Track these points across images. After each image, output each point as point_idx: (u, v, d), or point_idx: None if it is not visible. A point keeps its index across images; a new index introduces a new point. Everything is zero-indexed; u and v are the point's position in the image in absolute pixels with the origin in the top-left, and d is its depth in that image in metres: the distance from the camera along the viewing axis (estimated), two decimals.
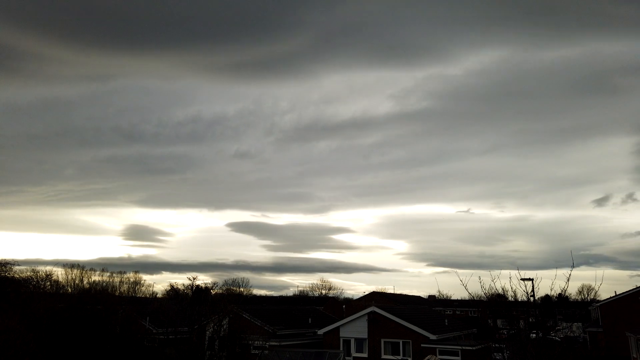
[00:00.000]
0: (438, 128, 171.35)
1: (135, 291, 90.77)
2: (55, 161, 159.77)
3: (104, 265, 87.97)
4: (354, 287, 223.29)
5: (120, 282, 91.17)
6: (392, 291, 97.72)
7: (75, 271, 76.62)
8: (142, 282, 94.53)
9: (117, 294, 73.09)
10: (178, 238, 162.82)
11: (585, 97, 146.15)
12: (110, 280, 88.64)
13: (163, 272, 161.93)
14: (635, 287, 47.37)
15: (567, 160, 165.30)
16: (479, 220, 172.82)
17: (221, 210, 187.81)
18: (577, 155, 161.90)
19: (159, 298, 78.48)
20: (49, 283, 49.28)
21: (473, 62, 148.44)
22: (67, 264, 77.64)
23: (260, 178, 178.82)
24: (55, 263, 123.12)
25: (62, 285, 66.27)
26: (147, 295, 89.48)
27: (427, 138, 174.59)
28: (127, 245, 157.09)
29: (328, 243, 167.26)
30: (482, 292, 16.16)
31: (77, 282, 74.91)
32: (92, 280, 79.62)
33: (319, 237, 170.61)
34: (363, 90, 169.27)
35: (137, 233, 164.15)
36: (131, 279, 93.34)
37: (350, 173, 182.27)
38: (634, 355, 37.14)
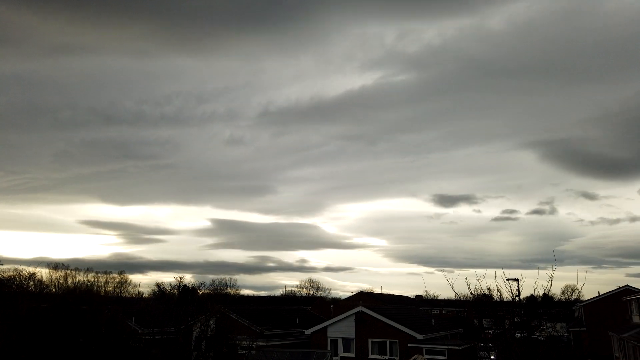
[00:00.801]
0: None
1: (121, 291, 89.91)
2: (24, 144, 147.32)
3: (76, 265, 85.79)
4: (335, 284, 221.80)
5: (106, 282, 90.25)
6: (379, 291, 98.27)
7: (59, 272, 75.67)
8: (129, 282, 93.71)
9: (102, 294, 72.33)
10: (164, 236, 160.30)
11: None
12: (96, 280, 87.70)
13: (148, 272, 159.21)
14: (617, 287, 48.18)
15: None
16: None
17: (201, 206, 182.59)
18: None
19: (145, 298, 77.86)
20: (32, 283, 48.53)
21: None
22: (50, 263, 76.64)
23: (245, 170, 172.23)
24: (28, 262, 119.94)
25: (46, 285, 65.35)
26: (133, 295, 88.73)
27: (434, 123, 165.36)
28: (110, 244, 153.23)
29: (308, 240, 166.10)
30: (469, 292, 16.28)
31: (61, 282, 73.96)
32: (77, 280, 78.69)
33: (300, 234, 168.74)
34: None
35: (121, 229, 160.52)
36: (117, 279, 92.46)
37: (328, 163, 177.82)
38: (617, 355, 37.80)
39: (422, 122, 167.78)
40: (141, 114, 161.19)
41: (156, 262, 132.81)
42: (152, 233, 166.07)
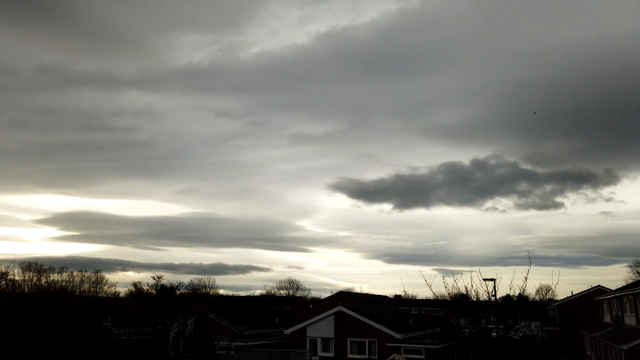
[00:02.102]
0: None
1: (97, 290, 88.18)
2: None
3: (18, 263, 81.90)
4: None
5: (81, 281, 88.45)
6: (359, 291, 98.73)
7: (32, 272, 73.83)
8: (105, 281, 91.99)
9: (77, 293, 70.76)
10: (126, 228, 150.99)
11: None
12: (70, 279, 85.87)
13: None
14: (590, 287, 49.39)
15: None
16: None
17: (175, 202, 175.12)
18: None
19: (121, 297, 76.53)
20: (4, 282, 47.23)
21: None
22: (23, 262, 74.71)
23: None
24: None
25: (19, 284, 63.68)
26: (110, 295, 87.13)
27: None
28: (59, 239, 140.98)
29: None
30: (446, 292, 16.46)
31: (34, 281, 72.17)
32: (51, 279, 76.90)
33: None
34: None
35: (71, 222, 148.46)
36: (92, 278, 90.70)
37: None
38: (588, 353, 38.76)
39: None
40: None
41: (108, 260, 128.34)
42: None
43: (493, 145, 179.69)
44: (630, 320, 31.09)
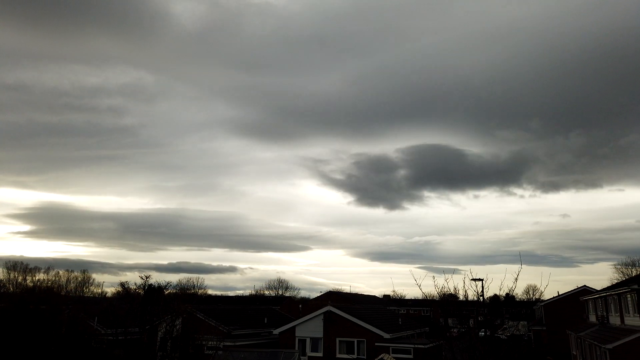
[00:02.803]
0: None
1: (83, 290, 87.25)
2: None
3: None
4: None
5: (67, 280, 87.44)
6: (348, 290, 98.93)
7: (17, 272, 72.83)
8: (92, 281, 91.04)
9: (63, 293, 69.89)
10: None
11: None
12: (57, 279, 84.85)
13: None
14: (576, 287, 50.02)
15: None
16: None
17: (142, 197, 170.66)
18: None
19: (108, 297, 75.84)
20: None
21: None
22: (8, 261, 73.68)
23: None
24: None
25: (3, 284, 62.78)
26: (96, 295, 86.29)
27: None
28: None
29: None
30: (435, 291, 16.56)
31: (19, 280, 71.19)
32: (37, 279, 75.91)
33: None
34: None
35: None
36: (79, 278, 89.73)
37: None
38: (574, 352, 39.23)
39: None
40: None
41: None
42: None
43: None
44: (615, 320, 31.54)
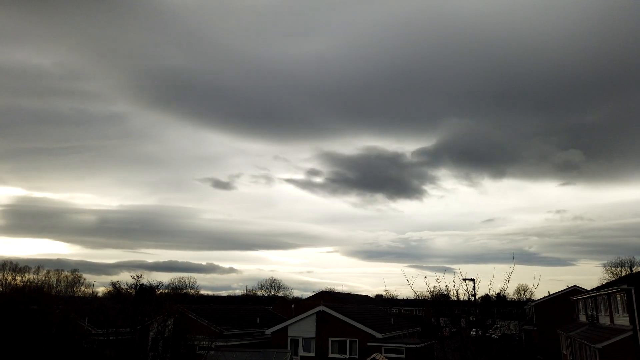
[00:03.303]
0: None
1: (74, 290, 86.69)
2: None
3: None
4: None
5: (58, 280, 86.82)
6: (340, 290, 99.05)
7: (6, 271, 72.12)
8: (82, 280, 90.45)
9: (53, 293, 69.38)
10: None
11: None
12: (47, 278, 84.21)
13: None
14: (566, 287, 50.46)
15: None
16: None
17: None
18: None
19: (99, 297, 75.38)
20: None
21: None
22: None
23: None
24: None
25: None
26: (87, 295, 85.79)
27: None
28: None
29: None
30: (427, 292, 16.63)
31: (9, 280, 70.53)
32: (27, 278, 75.24)
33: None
34: None
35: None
36: (69, 277, 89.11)
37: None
38: (564, 352, 39.57)
39: None
40: None
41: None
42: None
43: None
44: (604, 319, 31.85)
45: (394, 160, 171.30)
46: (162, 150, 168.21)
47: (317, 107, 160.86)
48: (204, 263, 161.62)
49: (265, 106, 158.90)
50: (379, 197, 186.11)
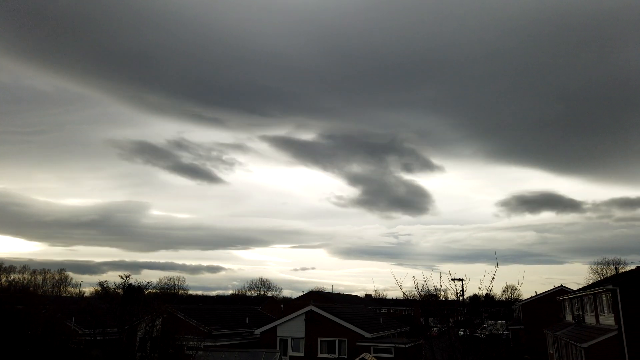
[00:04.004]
0: None
1: (60, 290, 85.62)
2: None
3: None
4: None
5: (44, 280, 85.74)
6: (330, 290, 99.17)
7: None
8: (69, 280, 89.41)
9: (39, 292, 68.55)
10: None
11: None
12: (33, 278, 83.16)
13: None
14: (553, 287, 50.99)
15: None
16: None
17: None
18: None
19: (87, 297, 74.52)
20: None
21: None
22: None
23: None
24: None
25: None
26: (74, 295, 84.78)
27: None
28: None
29: None
30: (416, 292, 16.71)
31: None
32: (12, 278, 74.22)
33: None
34: None
35: None
36: (56, 277, 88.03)
37: None
38: (551, 351, 40.00)
39: None
40: None
41: None
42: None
43: None
44: (590, 319, 32.27)
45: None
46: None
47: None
48: (161, 261, 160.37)
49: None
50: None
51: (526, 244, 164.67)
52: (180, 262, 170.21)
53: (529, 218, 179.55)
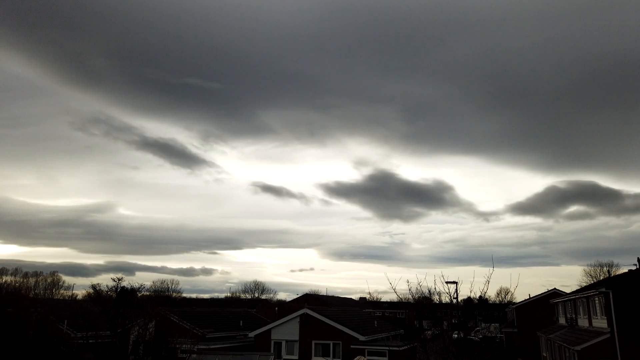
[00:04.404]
0: None
1: (52, 293, 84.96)
2: None
3: None
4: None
5: (36, 282, 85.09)
6: (324, 293, 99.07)
7: None
8: (61, 283, 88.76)
9: (31, 295, 68.02)
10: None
11: None
12: (25, 281, 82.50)
13: None
14: (547, 290, 51.25)
15: None
16: None
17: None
18: None
19: (79, 300, 73.98)
20: None
21: None
22: None
23: None
24: None
25: None
26: (66, 297, 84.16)
27: None
28: None
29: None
30: (410, 295, 16.73)
31: None
32: (4, 280, 73.56)
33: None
34: None
35: None
36: (48, 280, 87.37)
37: None
38: (544, 354, 40.15)
39: None
40: None
41: None
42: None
43: None
44: (583, 322, 32.43)
45: None
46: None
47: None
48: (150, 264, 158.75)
49: None
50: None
51: (523, 245, 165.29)
52: (166, 264, 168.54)
53: (526, 219, 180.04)
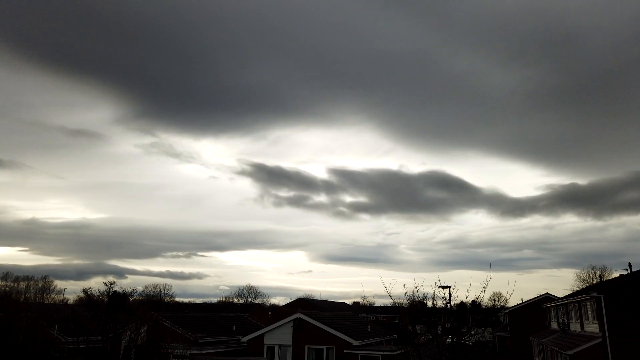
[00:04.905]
0: None
1: (43, 297, 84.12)
2: None
3: None
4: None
5: (27, 287, 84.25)
6: (318, 297, 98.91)
7: None
8: (53, 287, 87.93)
9: (21, 300, 67.28)
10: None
11: None
12: (15, 285, 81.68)
13: None
14: (539, 295, 51.46)
15: None
16: None
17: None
18: None
19: (70, 305, 73.32)
20: None
21: None
22: None
23: None
24: None
25: None
26: (57, 302, 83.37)
27: None
28: None
29: None
30: (404, 299, 16.74)
31: None
32: None
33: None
34: None
35: None
36: (39, 284, 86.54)
37: None
38: (537, 358, 40.28)
39: None
40: None
41: None
42: None
43: None
44: (575, 326, 32.58)
45: None
46: None
47: None
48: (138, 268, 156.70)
49: None
50: None
51: (518, 248, 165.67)
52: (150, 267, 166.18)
53: (523, 221, 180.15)
